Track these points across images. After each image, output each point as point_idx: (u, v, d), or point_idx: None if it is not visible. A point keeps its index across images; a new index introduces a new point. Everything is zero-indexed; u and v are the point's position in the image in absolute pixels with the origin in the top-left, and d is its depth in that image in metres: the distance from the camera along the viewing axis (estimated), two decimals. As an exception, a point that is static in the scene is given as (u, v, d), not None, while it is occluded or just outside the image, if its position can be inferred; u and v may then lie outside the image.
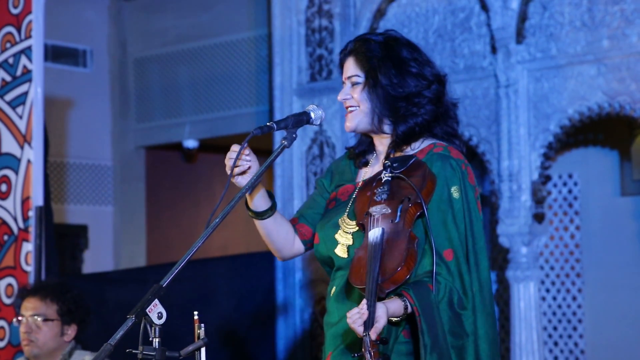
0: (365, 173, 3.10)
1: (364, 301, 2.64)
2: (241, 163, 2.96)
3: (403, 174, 2.87)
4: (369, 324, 2.60)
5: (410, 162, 2.90)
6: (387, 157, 3.01)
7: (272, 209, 3.09)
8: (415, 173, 2.87)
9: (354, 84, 3.02)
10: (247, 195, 3.02)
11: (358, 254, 2.81)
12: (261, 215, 3.07)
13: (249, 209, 3.09)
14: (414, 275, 2.83)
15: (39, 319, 4.25)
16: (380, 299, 2.74)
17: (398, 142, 3.00)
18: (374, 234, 2.75)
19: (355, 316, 2.64)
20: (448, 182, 2.90)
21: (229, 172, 2.95)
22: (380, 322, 2.65)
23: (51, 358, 4.30)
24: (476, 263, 2.88)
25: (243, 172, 2.98)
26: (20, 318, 4.30)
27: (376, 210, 2.82)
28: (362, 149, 3.14)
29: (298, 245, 3.18)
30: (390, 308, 2.71)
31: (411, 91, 2.97)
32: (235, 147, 2.95)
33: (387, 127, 3.02)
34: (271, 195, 3.08)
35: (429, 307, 2.75)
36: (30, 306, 4.28)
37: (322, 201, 3.17)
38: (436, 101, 3.00)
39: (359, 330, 2.62)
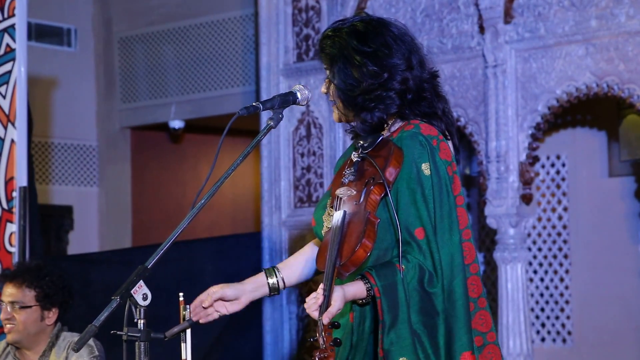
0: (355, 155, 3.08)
1: (321, 285, 2.62)
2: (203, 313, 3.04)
3: (370, 154, 2.85)
4: (323, 308, 2.58)
5: (377, 141, 2.87)
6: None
7: (277, 282, 3.10)
8: (380, 153, 2.84)
9: (328, 79, 2.99)
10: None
11: (326, 237, 2.81)
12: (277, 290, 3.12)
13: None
14: (389, 256, 2.81)
15: (16, 306, 4.23)
16: (342, 282, 2.73)
17: (366, 132, 2.97)
18: (336, 217, 2.74)
19: (311, 301, 2.62)
20: (416, 160, 2.84)
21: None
22: (334, 305, 2.61)
23: (36, 342, 4.27)
24: (446, 237, 2.83)
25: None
26: (1, 303, 4.27)
27: (342, 192, 2.82)
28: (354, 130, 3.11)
29: None
30: (350, 291, 2.69)
31: (368, 88, 2.90)
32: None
33: (353, 120, 3.00)
34: (270, 273, 3.11)
35: (391, 286, 2.72)
36: (8, 292, 4.26)
37: None
38: (400, 92, 2.92)
39: (315, 314, 2.60)
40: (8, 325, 4.23)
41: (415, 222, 2.80)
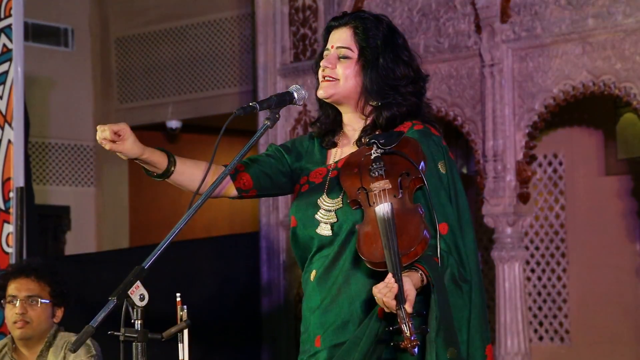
0: (336, 153, 3.07)
1: (390, 275, 2.62)
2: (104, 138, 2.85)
3: (396, 150, 2.85)
4: (400, 297, 2.58)
5: (400, 138, 2.88)
6: (359, 139, 3.00)
7: (172, 163, 2.97)
8: (406, 149, 2.85)
9: (342, 57, 2.99)
10: (140, 161, 2.93)
11: (364, 230, 2.78)
12: (166, 175, 2.97)
13: (150, 173, 2.98)
14: None
15: (34, 301, 4.21)
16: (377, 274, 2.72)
17: (377, 127, 2.98)
18: (384, 209, 2.72)
19: (385, 290, 2.61)
20: (434, 157, 2.91)
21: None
22: (412, 294, 2.63)
23: (39, 341, 4.26)
24: (462, 236, 2.89)
25: (118, 141, 2.85)
26: (10, 299, 4.24)
27: (377, 186, 2.80)
28: (328, 127, 3.10)
29: (229, 190, 3.06)
30: (413, 281, 2.70)
31: (401, 80, 2.97)
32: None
33: (368, 109, 3.00)
34: (166, 153, 2.97)
35: (439, 279, 2.76)
36: (24, 287, 4.22)
37: (274, 163, 3.09)
38: (419, 95, 3.01)
39: (392, 304, 2.59)
40: (21, 322, 4.20)
41: (439, 218, 2.84)
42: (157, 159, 2.95)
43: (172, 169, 2.97)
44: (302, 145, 3.15)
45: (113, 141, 2.85)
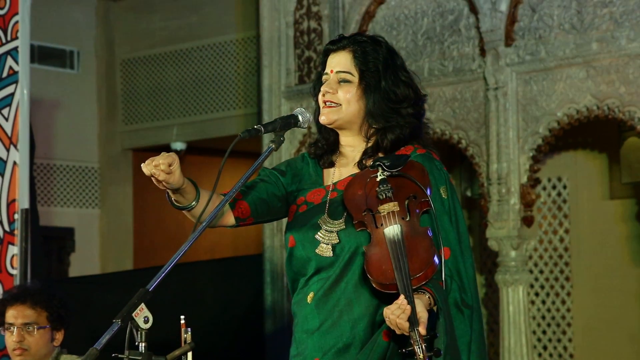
0: (334, 174, 3.05)
1: (402, 297, 2.63)
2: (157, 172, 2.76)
3: (403, 173, 2.86)
4: (414, 319, 2.60)
5: (406, 161, 2.89)
6: (360, 160, 2.99)
7: (197, 196, 2.90)
8: (412, 173, 2.86)
9: (343, 81, 2.98)
10: (171, 191, 2.84)
11: (372, 252, 2.78)
12: (189, 207, 2.89)
13: (177, 205, 2.90)
14: None
15: (31, 328, 4.20)
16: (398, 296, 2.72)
17: (380, 149, 2.98)
18: (394, 231, 2.75)
19: (398, 311, 2.62)
20: (437, 182, 2.92)
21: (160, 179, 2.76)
22: (425, 316, 2.65)
23: (43, 365, 4.26)
24: (463, 261, 2.90)
25: (170, 173, 2.77)
26: (8, 327, 4.23)
27: (385, 208, 2.81)
28: (326, 148, 3.08)
29: (228, 220, 2.99)
30: (423, 303, 2.71)
31: (402, 102, 2.96)
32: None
33: (370, 132, 3.00)
34: (193, 183, 2.89)
35: (446, 303, 2.77)
36: (20, 314, 4.22)
37: (270, 188, 3.04)
38: (419, 116, 3.01)
39: (406, 325, 2.61)
40: (19, 350, 4.19)
41: (442, 242, 2.85)
42: (190, 189, 2.87)
43: (195, 203, 2.88)
44: (296, 166, 3.12)
45: (167, 172, 2.76)
